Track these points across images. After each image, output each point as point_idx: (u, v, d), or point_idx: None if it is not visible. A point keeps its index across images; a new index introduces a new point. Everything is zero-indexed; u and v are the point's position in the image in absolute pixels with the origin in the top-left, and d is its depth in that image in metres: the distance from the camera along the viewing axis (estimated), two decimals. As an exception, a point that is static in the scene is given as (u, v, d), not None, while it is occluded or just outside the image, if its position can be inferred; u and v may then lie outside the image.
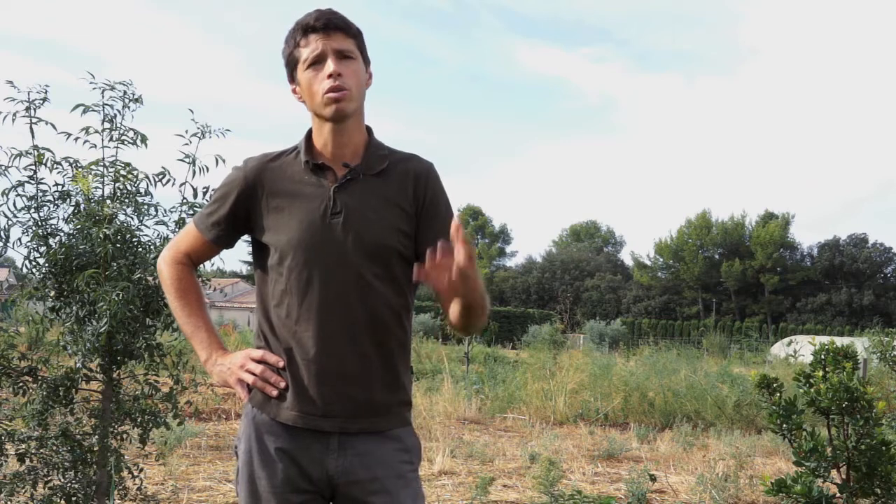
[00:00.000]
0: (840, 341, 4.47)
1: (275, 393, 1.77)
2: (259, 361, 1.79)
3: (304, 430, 1.76)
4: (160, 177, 3.52)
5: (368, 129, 1.86)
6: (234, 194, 1.84)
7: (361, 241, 1.75)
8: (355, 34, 1.79)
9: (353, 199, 1.77)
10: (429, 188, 1.84)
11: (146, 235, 3.49)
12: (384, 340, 1.79)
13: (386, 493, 1.76)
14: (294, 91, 1.83)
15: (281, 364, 1.77)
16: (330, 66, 1.73)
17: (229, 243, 1.92)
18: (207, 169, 3.50)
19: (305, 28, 1.75)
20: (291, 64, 1.80)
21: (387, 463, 1.78)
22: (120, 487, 3.69)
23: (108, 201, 3.43)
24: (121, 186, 3.46)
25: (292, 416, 1.76)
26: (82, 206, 3.43)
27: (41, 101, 3.34)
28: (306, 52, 1.75)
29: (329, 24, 1.75)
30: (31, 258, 3.37)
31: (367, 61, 1.83)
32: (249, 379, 1.78)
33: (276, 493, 1.76)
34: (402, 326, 1.82)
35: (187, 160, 3.50)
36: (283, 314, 1.77)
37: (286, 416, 1.77)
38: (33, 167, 3.37)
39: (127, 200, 3.45)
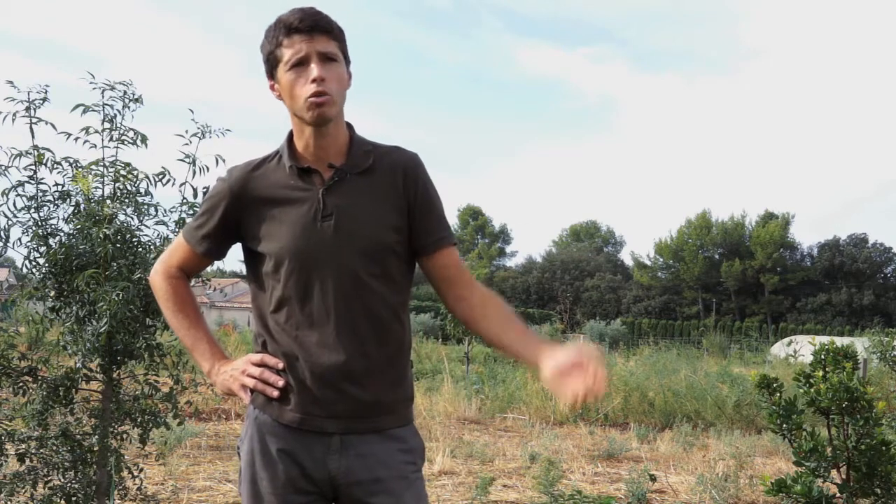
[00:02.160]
0: (840, 341, 4.47)
1: (275, 394, 1.77)
2: (259, 364, 1.79)
3: (306, 430, 1.76)
4: (160, 177, 3.52)
5: (349, 126, 1.84)
6: (221, 207, 1.82)
7: (355, 242, 1.75)
8: (338, 36, 1.75)
9: (342, 200, 1.76)
10: (419, 181, 1.82)
11: (146, 235, 3.50)
12: (385, 339, 1.78)
13: (388, 494, 1.75)
14: (272, 88, 1.80)
15: (280, 366, 1.77)
16: (314, 70, 1.69)
17: (220, 254, 1.91)
18: (207, 169, 3.50)
19: (289, 28, 1.71)
20: (272, 62, 1.76)
21: (389, 463, 1.77)
22: (120, 487, 3.69)
23: (108, 201, 3.42)
24: (121, 186, 3.46)
25: (297, 419, 1.76)
26: (82, 206, 3.43)
27: (41, 101, 3.33)
28: (289, 53, 1.71)
29: (315, 26, 1.71)
30: (31, 258, 3.37)
31: (347, 61, 1.79)
32: (250, 382, 1.79)
33: (277, 494, 1.76)
34: (400, 323, 1.82)
35: (187, 160, 3.50)
36: (283, 320, 1.77)
37: (289, 418, 1.77)
38: (33, 167, 3.36)
39: (127, 200, 3.45)
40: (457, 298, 1.86)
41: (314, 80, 1.69)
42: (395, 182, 1.80)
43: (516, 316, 1.84)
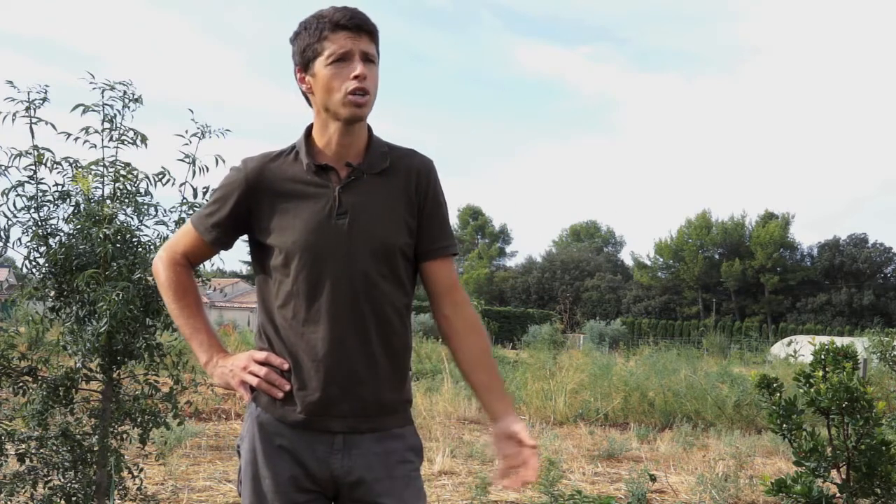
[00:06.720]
0: (840, 341, 4.47)
1: (280, 395, 1.76)
2: (262, 363, 1.77)
3: (310, 430, 1.76)
4: (160, 177, 3.52)
5: (368, 127, 1.86)
6: (234, 196, 1.81)
7: (368, 242, 1.75)
8: (377, 39, 1.78)
9: (358, 199, 1.77)
10: (430, 187, 1.84)
11: (146, 235, 3.49)
12: (390, 340, 1.79)
13: (389, 493, 1.76)
14: (302, 80, 1.79)
15: (286, 366, 1.76)
16: (358, 67, 1.71)
17: (228, 245, 1.90)
18: (207, 169, 3.50)
19: (335, 24, 1.72)
20: (309, 55, 1.75)
21: (390, 463, 1.78)
22: (120, 487, 3.69)
23: (108, 201, 3.42)
24: (121, 186, 3.46)
25: (301, 419, 1.75)
26: (82, 206, 3.42)
27: (41, 101, 3.33)
28: (332, 48, 1.71)
29: (361, 25, 1.73)
30: (31, 258, 3.37)
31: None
32: (253, 381, 1.77)
33: (280, 493, 1.76)
34: (404, 324, 1.83)
35: (187, 160, 3.50)
36: (290, 315, 1.76)
37: (294, 418, 1.76)
38: (33, 167, 3.36)
39: (127, 200, 3.45)
40: (442, 315, 1.87)
41: (356, 77, 1.71)
42: (409, 185, 1.81)
43: (489, 356, 1.88)
